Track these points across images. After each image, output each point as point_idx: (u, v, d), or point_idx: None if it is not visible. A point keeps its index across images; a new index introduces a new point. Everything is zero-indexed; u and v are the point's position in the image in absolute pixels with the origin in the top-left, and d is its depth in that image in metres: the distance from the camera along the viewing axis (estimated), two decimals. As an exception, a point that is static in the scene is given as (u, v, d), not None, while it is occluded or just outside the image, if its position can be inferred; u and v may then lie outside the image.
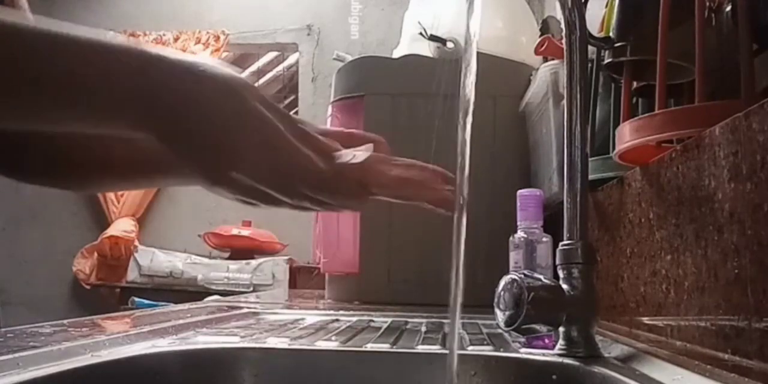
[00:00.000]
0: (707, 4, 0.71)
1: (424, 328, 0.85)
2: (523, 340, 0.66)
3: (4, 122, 0.41)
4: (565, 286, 0.60)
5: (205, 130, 0.41)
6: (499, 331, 0.74)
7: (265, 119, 0.43)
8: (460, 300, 0.42)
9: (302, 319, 0.97)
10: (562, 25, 0.67)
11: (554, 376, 0.59)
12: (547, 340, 0.65)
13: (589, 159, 0.68)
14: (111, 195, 3.86)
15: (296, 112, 4.14)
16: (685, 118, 0.66)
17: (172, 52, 0.42)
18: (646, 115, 0.72)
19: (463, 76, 0.43)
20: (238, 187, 0.44)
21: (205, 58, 0.44)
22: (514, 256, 0.76)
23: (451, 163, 0.44)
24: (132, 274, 3.66)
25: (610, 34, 0.80)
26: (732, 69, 0.64)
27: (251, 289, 3.43)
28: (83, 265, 3.80)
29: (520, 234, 0.76)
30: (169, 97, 0.41)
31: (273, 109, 0.44)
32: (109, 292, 3.76)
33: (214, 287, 3.50)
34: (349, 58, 1.71)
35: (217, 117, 0.42)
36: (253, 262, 3.58)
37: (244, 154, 0.42)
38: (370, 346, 0.67)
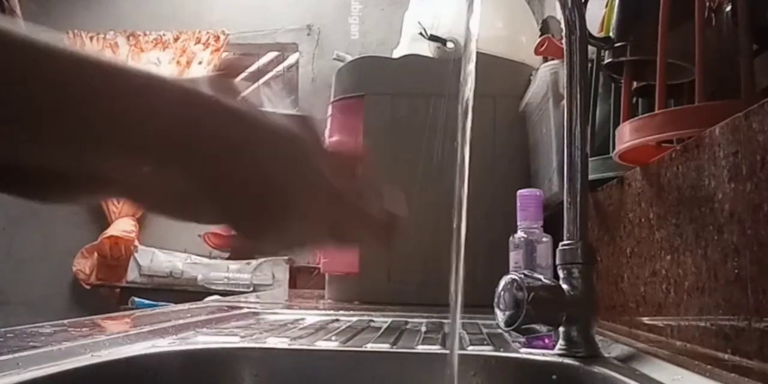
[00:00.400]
0: (707, 4, 0.71)
1: (424, 328, 0.85)
2: (523, 340, 0.66)
3: (22, 154, 0.37)
4: (565, 286, 0.60)
5: (253, 188, 0.38)
6: (499, 331, 0.74)
7: (322, 183, 0.40)
8: (460, 300, 0.42)
9: (302, 319, 0.97)
10: (562, 25, 0.67)
11: (554, 376, 0.59)
12: (547, 340, 0.65)
13: (589, 159, 0.68)
14: (111, 195, 3.85)
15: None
16: (685, 118, 0.66)
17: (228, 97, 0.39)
18: (646, 115, 0.72)
19: (463, 76, 0.43)
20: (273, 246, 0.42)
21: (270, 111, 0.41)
22: (514, 256, 0.76)
23: (451, 163, 0.44)
24: (132, 274, 3.66)
25: (610, 34, 0.80)
26: (732, 69, 0.64)
27: (251, 289, 3.43)
28: (83, 265, 3.80)
29: (520, 234, 0.76)
30: (217, 145, 0.37)
31: (330, 163, 0.41)
32: (109, 292, 3.76)
33: (214, 287, 3.50)
34: (349, 58, 1.71)
35: (269, 176, 0.39)
36: (253, 262, 3.58)
37: (292, 217, 0.40)
38: (370, 346, 0.67)
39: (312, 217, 0.40)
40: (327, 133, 1.54)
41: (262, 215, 0.39)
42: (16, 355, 0.50)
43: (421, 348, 0.67)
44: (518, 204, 0.77)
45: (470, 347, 0.68)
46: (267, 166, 0.39)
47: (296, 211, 0.40)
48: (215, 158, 0.38)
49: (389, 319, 0.96)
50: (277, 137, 0.39)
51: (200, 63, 3.94)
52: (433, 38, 1.46)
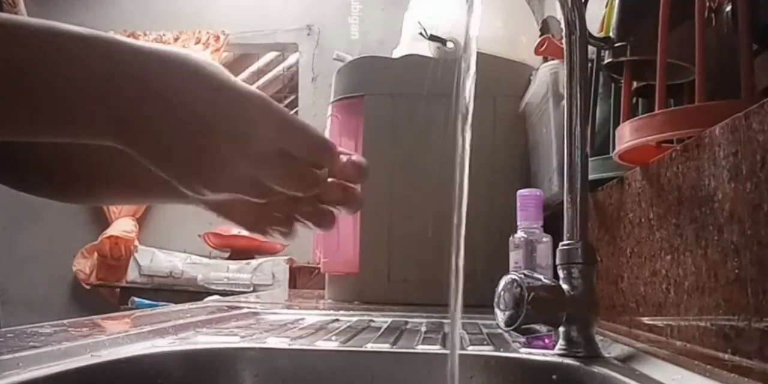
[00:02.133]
0: (707, 4, 0.71)
1: (424, 328, 0.85)
2: (523, 340, 0.66)
3: None
4: (565, 286, 0.60)
5: (181, 130, 0.38)
6: (499, 331, 0.74)
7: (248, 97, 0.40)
8: (460, 300, 0.42)
9: (302, 319, 0.97)
10: (562, 25, 0.67)
11: (554, 376, 0.59)
12: (547, 340, 0.65)
13: (589, 159, 0.68)
14: (111, 195, 3.85)
15: (296, 113, 4.14)
16: (685, 118, 0.66)
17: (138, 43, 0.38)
18: (646, 115, 0.72)
19: (462, 76, 0.43)
20: (226, 188, 0.41)
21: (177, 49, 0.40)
22: (514, 256, 0.76)
23: (451, 163, 0.44)
24: (132, 274, 3.66)
25: (610, 34, 0.80)
26: (732, 69, 0.64)
27: (251, 289, 3.43)
28: (83, 265, 3.80)
29: (520, 234, 0.76)
30: (134, 92, 0.37)
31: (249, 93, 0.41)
32: (109, 292, 3.76)
33: (214, 287, 3.50)
34: (349, 58, 1.71)
35: (192, 112, 0.38)
36: (253, 262, 3.58)
37: (233, 152, 0.39)
38: (370, 346, 0.67)
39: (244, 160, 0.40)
40: (327, 132, 1.54)
41: (196, 157, 0.39)
42: (16, 355, 0.50)
43: (421, 348, 0.67)
44: (518, 204, 0.77)
45: (470, 347, 0.68)
46: (189, 109, 0.38)
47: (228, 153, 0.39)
48: (139, 105, 0.37)
49: (389, 319, 0.96)
50: (194, 71, 0.38)
51: (200, 63, 3.94)
52: (433, 38, 1.45)
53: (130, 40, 0.38)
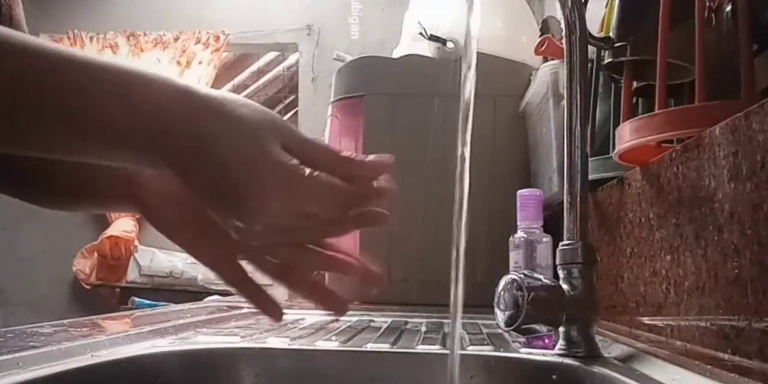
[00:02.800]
0: (707, 4, 0.71)
1: (424, 328, 0.85)
2: (523, 340, 0.66)
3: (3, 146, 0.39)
4: (565, 286, 0.60)
5: (225, 173, 0.40)
6: (499, 331, 0.74)
7: (286, 168, 0.42)
8: (460, 300, 0.42)
9: (302, 319, 0.97)
10: (562, 25, 0.67)
11: (554, 376, 0.59)
12: (547, 340, 0.65)
13: (589, 159, 0.68)
14: (111, 195, 3.85)
15: (296, 113, 4.15)
16: (685, 118, 0.66)
17: (201, 87, 0.41)
18: (646, 115, 0.72)
19: (463, 76, 0.43)
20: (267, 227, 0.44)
21: (234, 95, 0.42)
22: (514, 256, 0.76)
23: (451, 163, 0.44)
24: (132, 274, 3.66)
25: (610, 34, 0.80)
26: (732, 69, 0.64)
27: (251, 289, 3.43)
28: (83, 265, 3.80)
29: (520, 234, 0.76)
30: (190, 135, 0.39)
31: (303, 144, 0.43)
32: (109, 292, 3.76)
33: (214, 287, 3.50)
34: (349, 58, 1.71)
35: (238, 163, 0.40)
36: (253, 262, 3.58)
37: (265, 204, 0.41)
38: (370, 346, 0.67)
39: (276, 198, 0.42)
40: (327, 132, 1.54)
41: (237, 198, 0.41)
42: (16, 355, 0.50)
43: (421, 348, 0.67)
44: (518, 204, 0.77)
45: (470, 347, 0.68)
46: (234, 159, 0.40)
47: (263, 191, 0.41)
48: (190, 149, 0.40)
49: (389, 319, 0.96)
50: (250, 130, 0.41)
51: (200, 63, 3.94)
52: (433, 38, 1.46)
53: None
